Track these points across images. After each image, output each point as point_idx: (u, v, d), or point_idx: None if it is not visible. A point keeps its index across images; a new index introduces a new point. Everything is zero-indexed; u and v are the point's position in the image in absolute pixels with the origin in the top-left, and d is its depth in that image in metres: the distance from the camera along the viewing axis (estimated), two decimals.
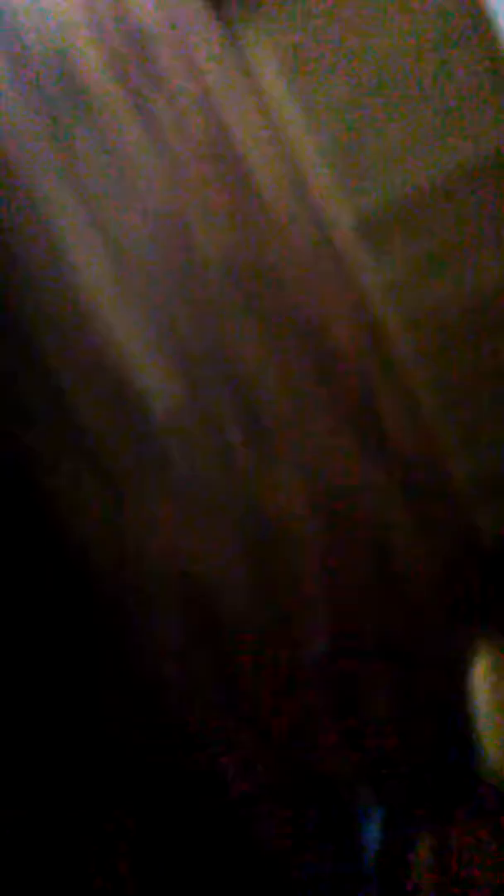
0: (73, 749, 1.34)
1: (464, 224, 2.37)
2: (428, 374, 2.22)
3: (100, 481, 1.47)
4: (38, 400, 1.39)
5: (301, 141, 2.35)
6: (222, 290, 1.81)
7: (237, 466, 1.65)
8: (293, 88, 2.38)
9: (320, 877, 1.49)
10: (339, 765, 1.57)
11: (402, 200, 2.37)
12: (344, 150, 2.37)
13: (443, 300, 2.37)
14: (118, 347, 1.62)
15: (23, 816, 1.26)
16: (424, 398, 2.06)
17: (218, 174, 2.09)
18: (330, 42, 2.37)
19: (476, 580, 1.84)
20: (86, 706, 1.38)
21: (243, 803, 1.48)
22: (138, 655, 1.47)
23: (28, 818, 1.26)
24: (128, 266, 1.71)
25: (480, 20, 2.32)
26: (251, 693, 1.54)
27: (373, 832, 1.47)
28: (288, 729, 1.55)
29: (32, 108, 1.64)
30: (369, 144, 2.36)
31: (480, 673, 1.45)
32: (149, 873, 1.41)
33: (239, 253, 1.89)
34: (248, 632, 1.61)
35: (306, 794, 1.52)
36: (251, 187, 2.09)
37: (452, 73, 2.32)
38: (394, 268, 2.31)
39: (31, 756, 1.28)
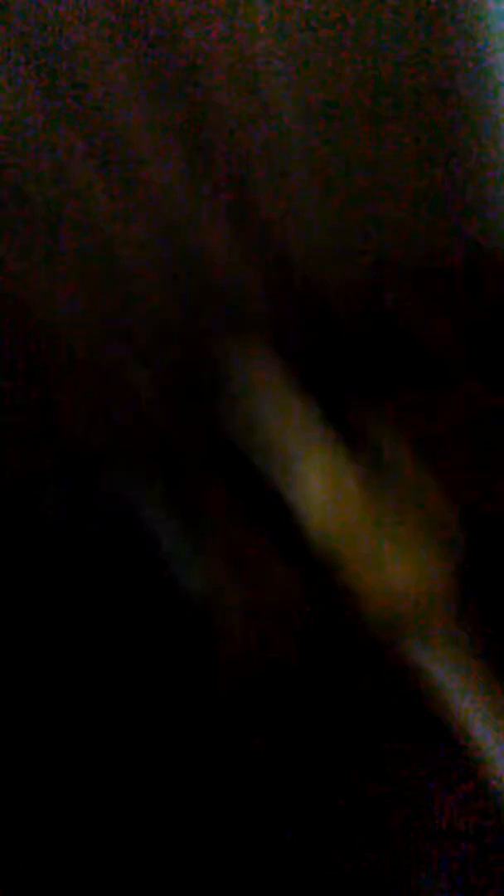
0: None
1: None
2: (309, 161, 2.13)
3: None
4: None
5: None
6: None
7: (82, 195, 1.57)
8: None
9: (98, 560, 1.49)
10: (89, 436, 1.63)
11: None
12: None
13: (344, 86, 2.26)
14: None
15: None
16: (298, 179, 1.99)
17: None
18: None
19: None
20: None
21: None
22: None
23: None
24: None
25: None
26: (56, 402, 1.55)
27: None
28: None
29: None
30: None
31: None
32: None
33: None
34: (75, 370, 1.59)
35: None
36: None
37: None
38: (301, 38, 2.18)
39: None
